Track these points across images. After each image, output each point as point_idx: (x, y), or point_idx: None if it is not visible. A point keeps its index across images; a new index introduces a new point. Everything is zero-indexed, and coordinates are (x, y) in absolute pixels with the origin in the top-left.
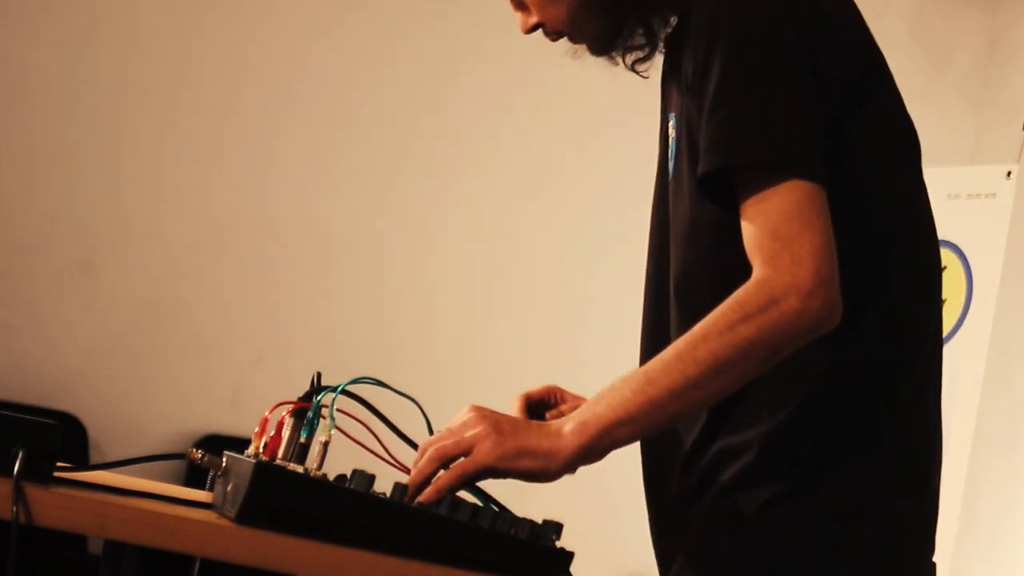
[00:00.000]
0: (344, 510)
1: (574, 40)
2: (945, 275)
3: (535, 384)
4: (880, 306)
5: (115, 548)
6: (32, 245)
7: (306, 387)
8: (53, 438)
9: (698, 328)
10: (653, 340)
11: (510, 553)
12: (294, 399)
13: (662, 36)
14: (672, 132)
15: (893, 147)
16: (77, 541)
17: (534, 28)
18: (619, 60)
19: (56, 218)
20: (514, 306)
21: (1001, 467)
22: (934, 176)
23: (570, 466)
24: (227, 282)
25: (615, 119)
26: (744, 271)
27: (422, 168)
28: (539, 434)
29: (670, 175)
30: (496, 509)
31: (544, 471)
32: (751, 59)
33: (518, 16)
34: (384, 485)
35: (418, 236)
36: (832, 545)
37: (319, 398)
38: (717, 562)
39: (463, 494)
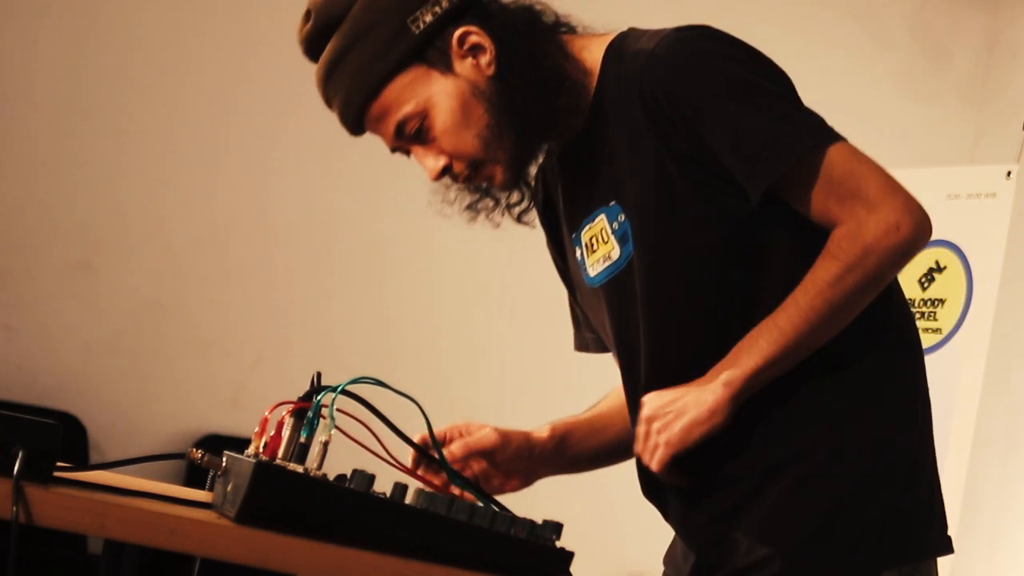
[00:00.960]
0: (344, 510)
1: (489, 172)
2: (945, 275)
3: (535, 383)
4: (895, 310)
5: (115, 548)
6: (32, 245)
7: (306, 387)
8: (53, 438)
9: (807, 284)
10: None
11: (510, 553)
12: (294, 399)
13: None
14: (613, 222)
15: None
16: (77, 541)
17: (443, 170)
18: (504, 212)
19: (56, 218)
20: (514, 306)
21: (1001, 467)
22: (934, 176)
23: (729, 412)
24: (227, 282)
25: None
26: (758, 285)
27: (422, 168)
28: (697, 401)
29: (612, 268)
30: (496, 509)
31: (713, 427)
32: (736, 75)
33: (425, 162)
34: (384, 485)
35: (418, 236)
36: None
37: (319, 398)
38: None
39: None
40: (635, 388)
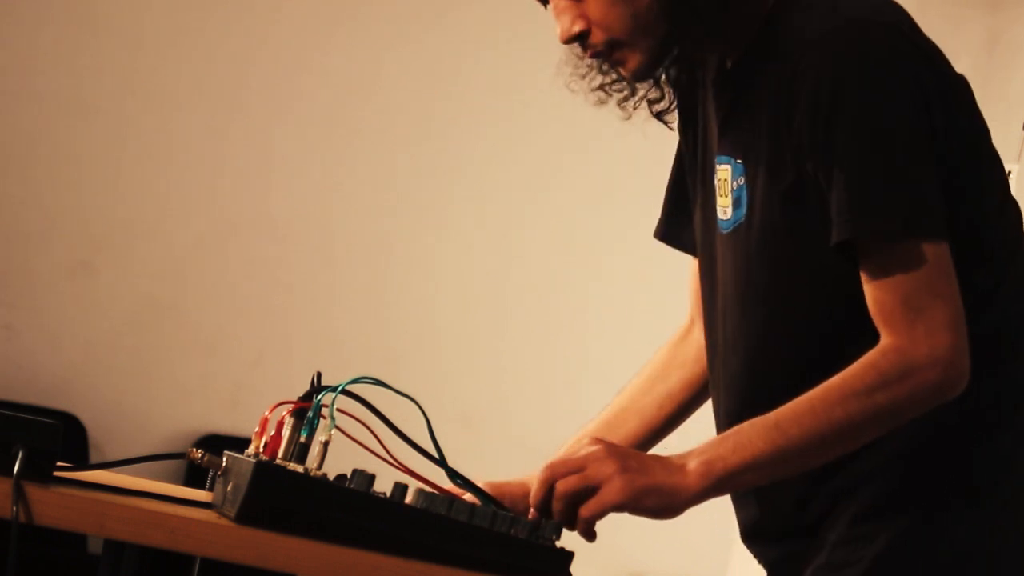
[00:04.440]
0: (344, 510)
1: (622, 56)
2: None
3: (535, 383)
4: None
5: (115, 548)
6: (32, 244)
7: (306, 387)
8: (53, 437)
9: (834, 388)
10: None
11: (510, 553)
12: (294, 399)
13: (697, 71)
14: (735, 180)
15: (992, 179)
16: (77, 541)
17: (578, 36)
18: (638, 107)
19: (56, 217)
20: (515, 306)
21: None
22: None
23: (691, 505)
24: (227, 282)
25: (616, 120)
26: (833, 327)
27: (423, 168)
28: (664, 471)
29: (725, 224)
30: (496, 508)
31: (667, 508)
32: (881, 122)
33: (562, 19)
34: (384, 485)
35: (419, 236)
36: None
37: (319, 398)
38: None
39: (467, 496)
40: (713, 350)
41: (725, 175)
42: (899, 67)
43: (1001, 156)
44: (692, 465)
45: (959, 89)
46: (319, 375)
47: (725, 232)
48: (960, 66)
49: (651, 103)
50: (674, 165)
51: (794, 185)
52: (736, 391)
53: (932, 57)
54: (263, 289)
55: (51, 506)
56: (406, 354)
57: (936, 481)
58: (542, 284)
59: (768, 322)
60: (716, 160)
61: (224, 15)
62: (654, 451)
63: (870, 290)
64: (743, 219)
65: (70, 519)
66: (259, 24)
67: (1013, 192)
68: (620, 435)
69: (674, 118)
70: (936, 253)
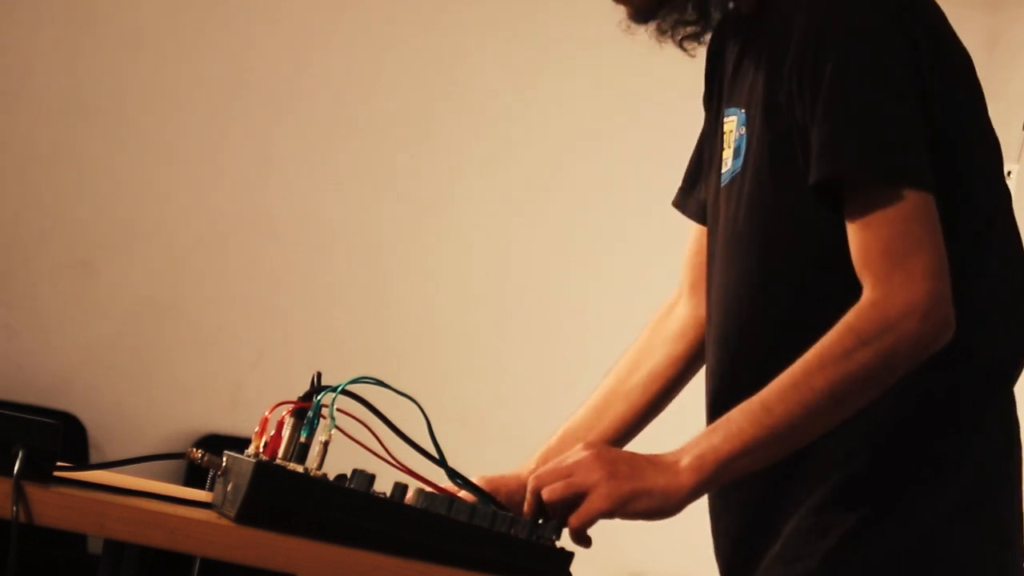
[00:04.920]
0: (344, 510)
1: None
2: None
3: (535, 383)
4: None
5: (115, 548)
6: (32, 245)
7: (306, 387)
8: (53, 437)
9: (814, 357)
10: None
11: (510, 553)
12: (294, 399)
13: (716, 16)
14: (738, 130)
15: (983, 155)
16: (77, 541)
17: None
18: (668, 35)
19: (56, 218)
20: (514, 306)
21: None
22: None
23: (688, 502)
24: (227, 282)
25: (615, 120)
26: (818, 271)
27: (422, 168)
28: (655, 472)
29: (724, 177)
30: (496, 509)
31: (662, 510)
32: (868, 64)
33: None
34: (384, 485)
35: (418, 236)
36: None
37: (319, 398)
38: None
39: (461, 493)
40: (708, 297)
41: (731, 126)
42: (891, 19)
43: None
44: (685, 461)
45: (959, 61)
46: (319, 375)
47: (724, 185)
48: None
49: (689, 39)
50: (699, 137)
51: (785, 133)
52: (722, 346)
53: (934, 24)
54: (263, 289)
55: (51, 506)
56: (406, 354)
57: (894, 474)
58: (542, 284)
59: (753, 272)
60: (725, 113)
61: (223, 15)
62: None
63: (852, 239)
64: (739, 169)
65: (70, 519)
66: (258, 24)
67: (1013, 192)
68: (608, 420)
69: (694, 48)
70: (918, 202)
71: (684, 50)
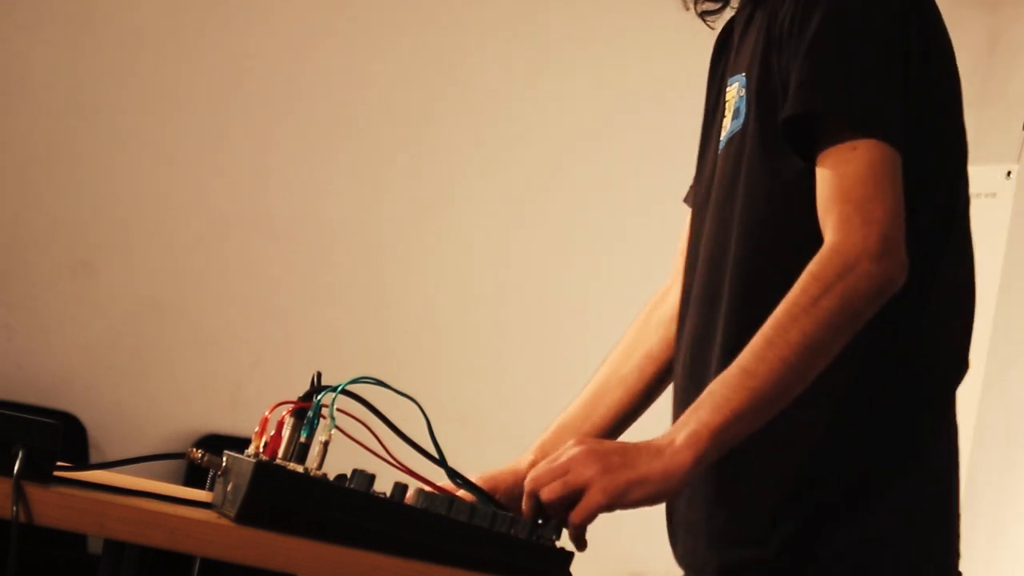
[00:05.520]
0: (344, 510)
1: None
2: None
3: (535, 383)
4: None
5: (115, 548)
6: (32, 245)
7: (306, 387)
8: (53, 437)
9: (783, 311)
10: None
11: (510, 553)
12: (294, 399)
13: None
14: (738, 93)
15: (951, 156)
16: (77, 541)
17: None
18: (691, 5)
19: (56, 218)
20: (514, 306)
21: (1001, 467)
22: None
23: (689, 479)
24: (227, 282)
25: (615, 120)
26: (806, 229)
27: (422, 168)
28: (649, 457)
29: (723, 141)
30: (496, 508)
31: (662, 493)
32: (855, 17)
33: None
34: (384, 485)
35: (418, 236)
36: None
37: (319, 398)
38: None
39: (461, 493)
40: (692, 263)
41: (732, 93)
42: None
43: (1001, 156)
44: (680, 439)
45: (946, 60)
46: (319, 375)
47: (722, 149)
48: (960, 66)
49: (704, 15)
50: (705, 115)
51: (777, 90)
52: (705, 303)
53: (931, 18)
54: (263, 289)
55: (51, 506)
56: (406, 354)
57: (830, 479)
58: (542, 284)
59: (733, 225)
60: (728, 83)
61: (223, 15)
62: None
63: (819, 180)
64: (739, 128)
65: (70, 519)
66: (258, 24)
67: (1013, 193)
68: (605, 407)
69: (715, 20)
70: (887, 155)
71: (705, 22)
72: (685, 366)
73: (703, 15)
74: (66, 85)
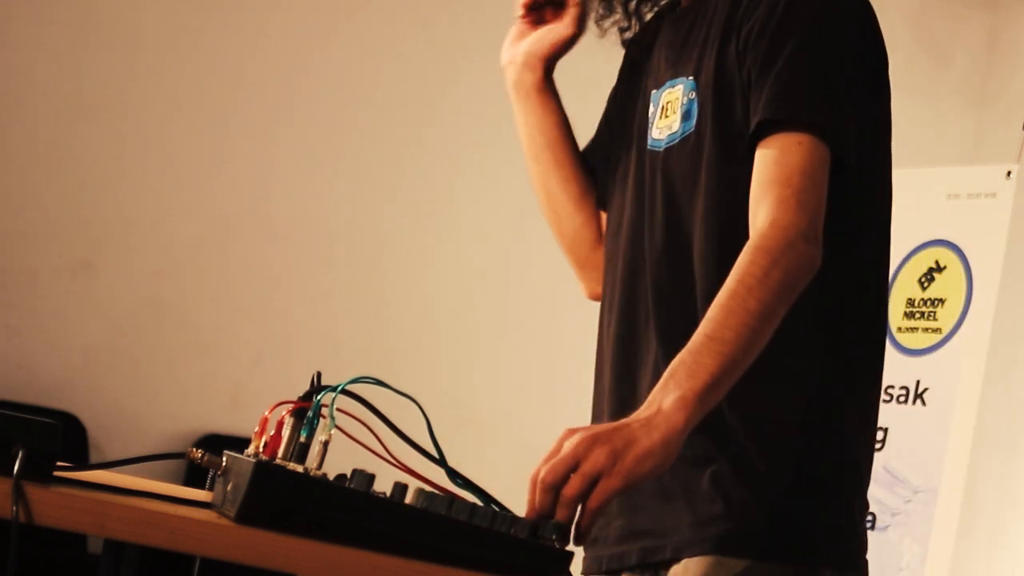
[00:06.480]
0: (344, 510)
1: None
2: (945, 275)
3: (535, 383)
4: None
5: (115, 548)
6: (32, 245)
7: (306, 387)
8: (53, 437)
9: (738, 284)
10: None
11: (510, 553)
12: (294, 399)
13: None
14: (687, 95)
15: (887, 155)
16: (77, 541)
17: None
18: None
19: (56, 218)
20: (514, 306)
21: (1001, 467)
22: (934, 176)
23: (683, 440)
24: (227, 282)
25: None
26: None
27: (422, 168)
28: (645, 429)
29: (664, 142)
30: (496, 508)
31: (666, 461)
32: (831, 39)
33: None
34: (384, 485)
35: (418, 236)
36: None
37: (319, 398)
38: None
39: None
40: (635, 268)
41: (674, 95)
42: (859, 12)
43: (1001, 156)
44: (667, 404)
45: (887, 93)
46: (319, 375)
47: (663, 149)
48: (960, 66)
49: (620, 31)
50: (604, 117)
51: (735, 94)
52: (661, 267)
53: (880, 38)
54: (262, 289)
55: (51, 506)
56: (406, 354)
57: (769, 481)
58: (542, 284)
59: (695, 221)
60: (663, 87)
61: (223, 15)
62: None
63: (760, 167)
64: (691, 129)
65: (70, 519)
66: (258, 24)
67: (1012, 193)
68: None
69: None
70: (825, 160)
71: (621, 37)
72: (616, 357)
73: (621, 31)
74: (67, 85)
